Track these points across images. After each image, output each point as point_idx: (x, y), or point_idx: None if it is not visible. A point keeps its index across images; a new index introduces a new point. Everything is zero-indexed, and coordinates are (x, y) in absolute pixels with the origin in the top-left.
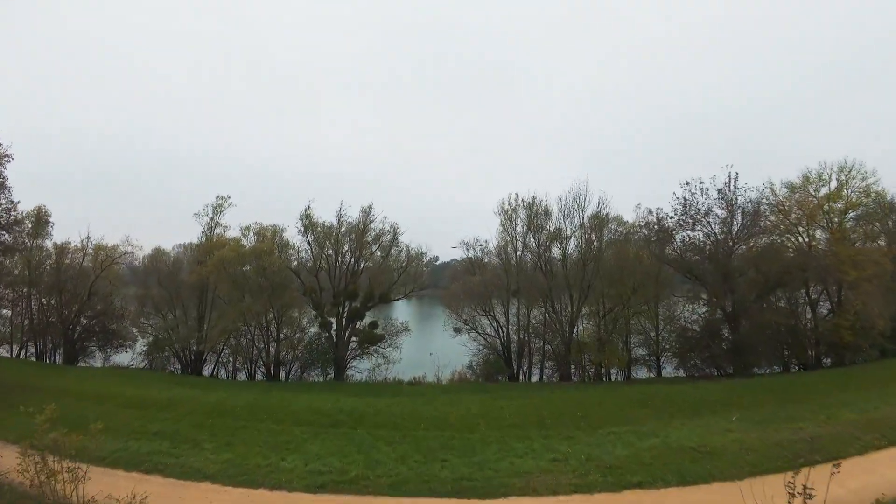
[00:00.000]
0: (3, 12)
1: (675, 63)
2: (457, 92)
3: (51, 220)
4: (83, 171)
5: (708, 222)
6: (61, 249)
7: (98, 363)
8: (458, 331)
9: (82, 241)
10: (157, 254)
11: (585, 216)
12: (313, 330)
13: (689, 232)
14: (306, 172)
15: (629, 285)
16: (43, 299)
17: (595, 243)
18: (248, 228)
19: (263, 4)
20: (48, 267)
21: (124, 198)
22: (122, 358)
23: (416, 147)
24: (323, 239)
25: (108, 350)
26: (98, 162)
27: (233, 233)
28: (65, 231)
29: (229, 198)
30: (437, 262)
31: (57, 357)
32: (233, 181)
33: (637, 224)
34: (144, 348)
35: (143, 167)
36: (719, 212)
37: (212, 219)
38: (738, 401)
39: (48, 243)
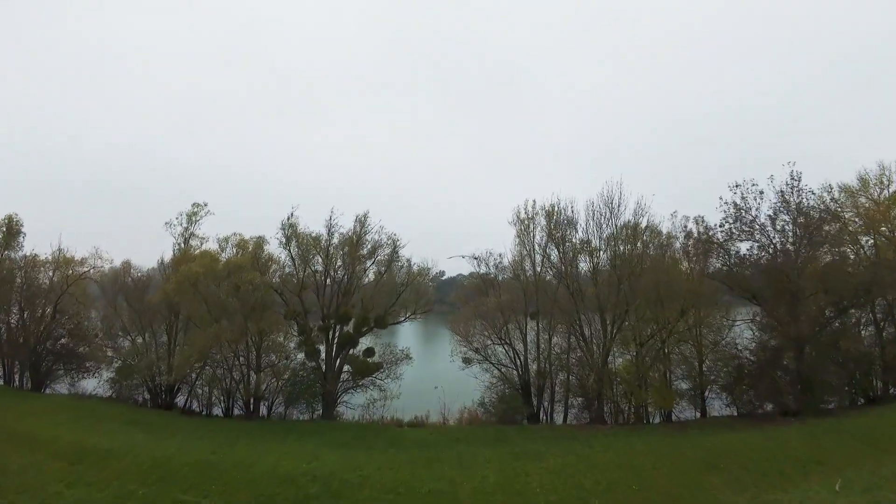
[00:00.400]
0: None
1: (672, 64)
2: (456, 93)
3: (23, 229)
4: (75, 173)
5: (767, 231)
6: (31, 262)
7: (65, 389)
8: (468, 361)
9: (53, 253)
10: (125, 268)
11: (619, 224)
12: (301, 356)
13: (745, 243)
14: (305, 173)
15: (676, 307)
16: (10, 318)
17: (631, 258)
18: (226, 240)
19: (264, 6)
20: (20, 281)
21: (122, 202)
22: (90, 384)
23: (416, 149)
24: (309, 252)
25: (76, 376)
26: (92, 164)
27: (211, 245)
28: (58, 243)
29: (206, 205)
30: (444, 278)
31: (25, 381)
32: (230, 187)
33: (675, 234)
34: (112, 374)
35: (139, 169)
36: (785, 218)
37: (186, 229)
38: (824, 454)
39: (20, 256)
